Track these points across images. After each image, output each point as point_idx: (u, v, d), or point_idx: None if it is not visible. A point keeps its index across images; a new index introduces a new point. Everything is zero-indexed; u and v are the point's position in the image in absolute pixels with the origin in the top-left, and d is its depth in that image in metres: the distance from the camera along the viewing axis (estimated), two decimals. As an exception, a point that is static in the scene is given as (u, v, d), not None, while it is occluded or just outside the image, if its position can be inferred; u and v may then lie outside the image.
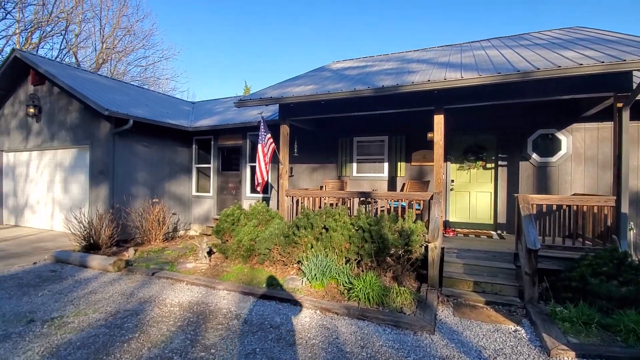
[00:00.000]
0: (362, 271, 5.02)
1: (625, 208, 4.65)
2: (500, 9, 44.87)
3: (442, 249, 5.68)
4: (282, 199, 7.23)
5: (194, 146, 11.17)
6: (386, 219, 5.03)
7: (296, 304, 4.43)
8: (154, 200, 9.29)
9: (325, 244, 5.17)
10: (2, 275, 5.68)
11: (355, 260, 5.09)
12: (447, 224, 7.71)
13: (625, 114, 4.70)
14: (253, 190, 10.03)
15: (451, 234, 6.89)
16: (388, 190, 8.35)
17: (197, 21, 47.79)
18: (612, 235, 4.77)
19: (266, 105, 7.01)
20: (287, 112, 7.25)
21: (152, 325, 3.88)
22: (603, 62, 4.31)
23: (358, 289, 4.36)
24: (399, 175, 8.28)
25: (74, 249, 7.41)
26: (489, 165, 7.46)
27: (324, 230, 5.41)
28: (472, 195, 7.65)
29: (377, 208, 7.14)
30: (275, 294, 4.72)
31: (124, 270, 6.06)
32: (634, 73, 4.88)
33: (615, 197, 4.78)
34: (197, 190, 11.21)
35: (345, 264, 5.18)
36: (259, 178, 6.42)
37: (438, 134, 5.82)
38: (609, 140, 6.30)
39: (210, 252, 6.97)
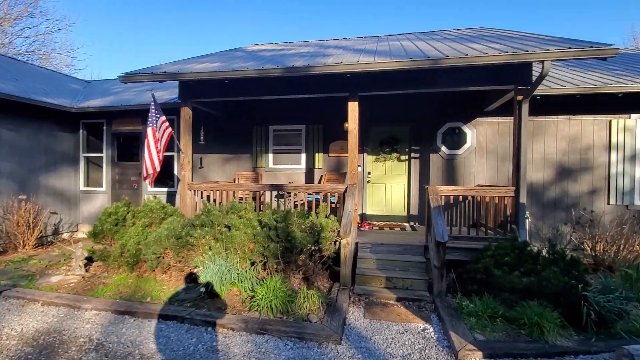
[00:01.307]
0: (269, 274, 4.44)
1: (523, 198, 4.85)
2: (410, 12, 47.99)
3: (357, 244, 5.39)
4: (183, 193, 6.26)
5: (81, 131, 9.34)
6: (294, 215, 4.51)
7: (183, 321, 3.66)
8: (20, 197, 7.45)
9: (226, 244, 4.45)
10: None
11: (261, 262, 4.49)
12: (363, 217, 7.55)
13: (525, 107, 4.88)
14: (158, 183, 8.76)
15: (367, 227, 6.71)
16: (306, 183, 7.90)
17: (101, -9, 41.65)
18: (511, 224, 4.95)
19: (160, 81, 5.94)
20: (188, 92, 6.26)
21: (-39, 373, 2.77)
22: (507, 52, 4.35)
23: (260, 297, 3.76)
24: (316, 166, 7.88)
25: None
26: (403, 157, 7.46)
27: (226, 229, 4.68)
28: (387, 187, 7.60)
29: (294, 202, 6.64)
30: (158, 310, 3.87)
31: (-46, 291, 4.56)
32: (533, 70, 5.09)
33: (514, 188, 4.96)
34: (87, 185, 9.44)
35: (251, 266, 4.54)
36: (148, 169, 5.36)
37: (352, 122, 5.48)
38: (507, 135, 6.68)
39: (90, 260, 5.72)
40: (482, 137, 6.98)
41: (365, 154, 7.60)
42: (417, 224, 7.17)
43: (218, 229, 4.64)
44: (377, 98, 6.53)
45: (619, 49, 4.11)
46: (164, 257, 4.75)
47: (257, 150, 8.19)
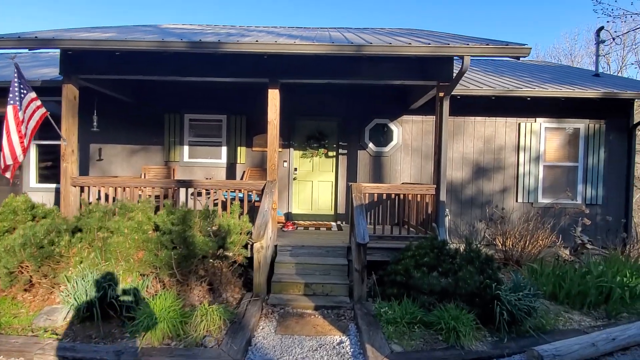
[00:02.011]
0: (164, 288, 3.69)
1: (443, 196, 4.79)
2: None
3: (276, 247, 4.89)
4: (65, 190, 5.12)
5: None
6: (195, 216, 3.83)
7: (33, 358, 2.77)
8: None
9: (106, 254, 3.60)
10: None
11: (152, 273, 3.72)
12: (289, 217, 7.06)
13: (446, 104, 4.82)
14: (48, 179, 7.27)
15: (291, 227, 6.22)
16: (227, 179, 7.16)
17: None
18: (432, 223, 4.87)
19: (29, 49, 4.76)
20: (73, 66, 5.10)
21: None
22: (430, 44, 4.21)
23: (140, 319, 3.02)
24: (239, 161, 7.17)
25: None
26: (330, 153, 7.12)
27: (110, 235, 3.81)
28: (315, 184, 7.21)
29: (213, 201, 5.90)
30: (1, 344, 2.92)
31: None
32: (454, 66, 5.07)
33: (435, 186, 4.88)
34: (-55, 179, 7.47)
35: (141, 279, 3.74)
36: (7, 158, 4.18)
37: (273, 111, 4.94)
38: (430, 133, 6.71)
39: None
40: (407, 134, 6.95)
41: (291, 149, 7.12)
42: (344, 223, 6.89)
43: (98, 235, 3.74)
44: (303, 89, 6.09)
45: (531, 48, 4.21)
46: (22, 273, 3.69)
47: (170, 141, 7.20)
